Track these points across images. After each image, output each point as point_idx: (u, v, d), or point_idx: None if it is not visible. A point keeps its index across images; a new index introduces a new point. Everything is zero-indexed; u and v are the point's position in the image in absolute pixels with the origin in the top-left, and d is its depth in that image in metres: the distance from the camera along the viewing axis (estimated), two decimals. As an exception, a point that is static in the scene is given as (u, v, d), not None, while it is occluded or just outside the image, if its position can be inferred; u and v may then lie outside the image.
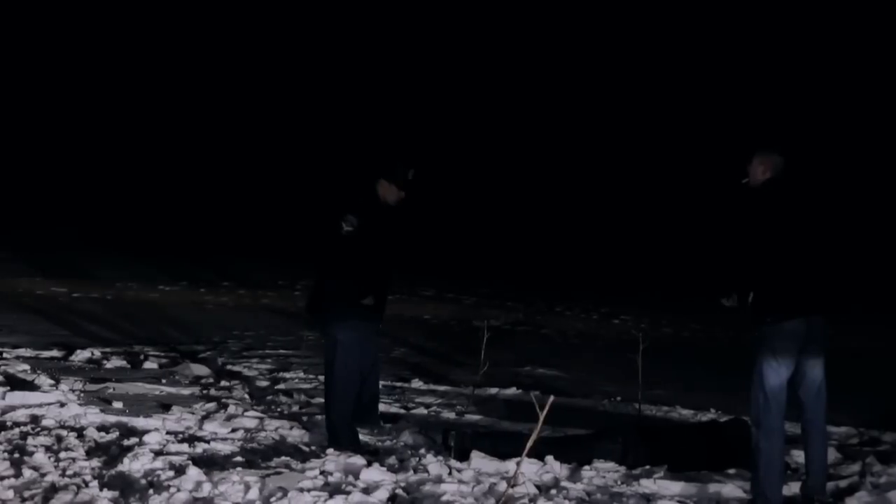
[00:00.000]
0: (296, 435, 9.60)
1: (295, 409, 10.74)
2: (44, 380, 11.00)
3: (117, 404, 10.39)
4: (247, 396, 11.22)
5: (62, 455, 8.37)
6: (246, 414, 10.26)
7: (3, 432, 8.98)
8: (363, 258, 9.31)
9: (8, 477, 7.71)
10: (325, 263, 9.48)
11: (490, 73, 41.23)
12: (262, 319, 17.68)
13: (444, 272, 26.80)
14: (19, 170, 37.78)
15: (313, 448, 9.18)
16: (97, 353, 13.23)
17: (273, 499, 7.40)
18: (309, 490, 7.60)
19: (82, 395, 10.69)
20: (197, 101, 41.38)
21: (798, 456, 9.07)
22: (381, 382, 12.50)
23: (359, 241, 9.29)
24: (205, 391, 11.41)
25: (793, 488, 8.38)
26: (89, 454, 8.50)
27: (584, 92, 39.70)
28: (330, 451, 8.85)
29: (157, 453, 8.50)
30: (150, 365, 12.80)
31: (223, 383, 11.89)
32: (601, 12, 40.82)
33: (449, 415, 11.03)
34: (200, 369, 12.55)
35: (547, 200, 36.50)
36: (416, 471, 8.36)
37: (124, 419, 9.78)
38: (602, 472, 8.75)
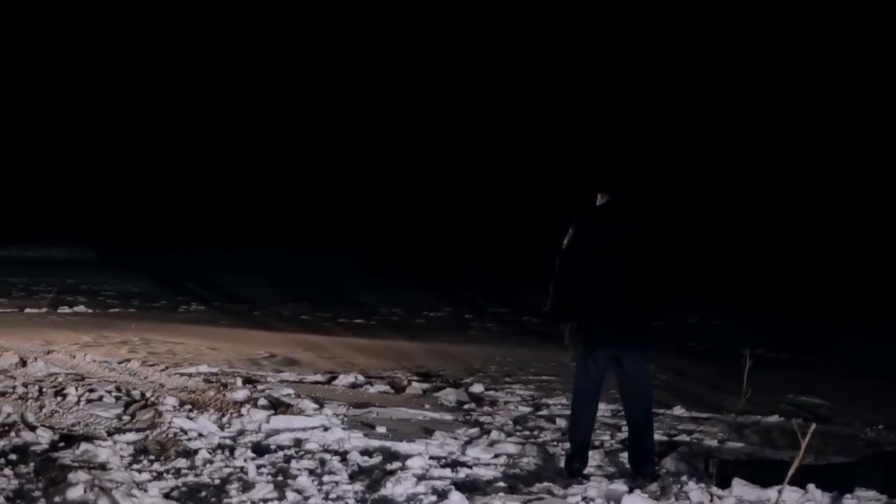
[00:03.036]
0: (558, 461, 9.45)
1: (557, 435, 10.57)
2: (307, 404, 11.08)
3: (380, 429, 10.42)
4: (509, 422, 11.11)
5: (325, 478, 8.42)
6: (508, 439, 10.18)
7: (267, 455, 9.08)
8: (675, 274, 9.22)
9: (272, 500, 7.80)
10: (638, 282, 9.18)
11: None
12: (525, 344, 17.59)
13: (708, 299, 26.37)
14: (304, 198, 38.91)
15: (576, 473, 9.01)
16: (360, 377, 13.33)
17: (535, 525, 7.28)
18: (571, 516, 7.46)
19: (346, 419, 10.75)
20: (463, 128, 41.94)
21: None
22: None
23: (669, 256, 9.20)
24: (467, 416, 11.36)
25: None
26: (352, 478, 8.53)
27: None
28: (593, 477, 8.69)
29: (420, 478, 8.48)
30: (413, 390, 12.84)
31: (485, 409, 11.83)
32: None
33: (711, 442, 10.76)
34: (463, 395, 12.53)
35: (814, 229, 35.62)
36: (677, 497, 8.18)
37: (387, 443, 9.79)
38: (864, 501, 8.42)
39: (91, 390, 11.54)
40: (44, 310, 19.30)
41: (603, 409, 11.09)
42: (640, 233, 9.13)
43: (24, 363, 13.03)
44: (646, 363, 9.29)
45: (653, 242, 9.13)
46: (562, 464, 9.32)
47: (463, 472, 8.86)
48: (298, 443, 9.61)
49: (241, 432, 9.92)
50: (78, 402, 11.03)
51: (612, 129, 38.43)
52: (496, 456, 9.59)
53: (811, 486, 8.41)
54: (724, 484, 8.58)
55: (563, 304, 9.16)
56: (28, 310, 19.13)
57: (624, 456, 9.60)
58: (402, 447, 9.68)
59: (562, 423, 11.06)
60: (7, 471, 8.27)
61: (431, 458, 9.31)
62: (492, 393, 12.91)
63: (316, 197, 39.87)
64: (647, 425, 9.28)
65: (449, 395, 12.43)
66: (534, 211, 36.92)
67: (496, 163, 41.03)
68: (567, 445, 9.43)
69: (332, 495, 7.96)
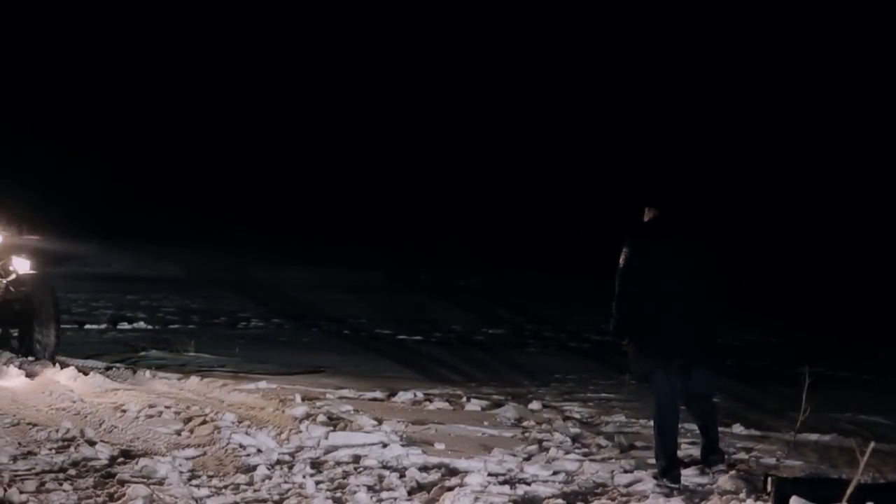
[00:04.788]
0: (617, 478, 9.39)
1: (616, 452, 10.52)
2: (366, 420, 11.08)
3: (439, 445, 10.40)
4: (568, 439, 11.05)
5: (384, 495, 8.41)
6: (567, 457, 10.12)
7: (325, 471, 9.08)
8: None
9: (330, 516, 7.76)
10: (697, 291, 9.34)
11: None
12: (584, 363, 17.53)
13: (766, 316, 26.23)
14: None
15: (634, 491, 8.96)
16: (420, 394, 13.29)
17: (594, 542, 7.23)
18: (630, 534, 7.41)
19: (404, 435, 10.72)
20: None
21: None
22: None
23: (721, 264, 9.43)
24: (526, 434, 11.31)
25: None
26: (410, 494, 8.52)
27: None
28: (651, 494, 8.63)
29: (479, 494, 8.45)
30: (473, 407, 12.79)
31: (544, 426, 11.77)
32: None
33: (769, 460, 10.67)
34: (522, 412, 12.48)
35: (874, 246, 35.32)
36: (736, 516, 8.12)
37: (446, 460, 9.75)
38: (921, 520, 8.33)
39: (150, 406, 11.59)
40: (103, 325, 19.43)
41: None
42: (692, 244, 9.37)
43: (84, 379, 13.10)
44: (713, 370, 9.46)
45: (704, 252, 9.38)
46: (622, 481, 9.28)
47: (521, 489, 8.81)
48: (357, 459, 9.59)
49: (300, 448, 9.92)
50: (137, 418, 11.07)
51: (654, 143, 38.39)
52: (555, 473, 9.54)
53: (870, 504, 8.36)
54: (782, 502, 8.53)
55: (625, 322, 9.43)
56: (88, 325, 19.25)
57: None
58: (461, 464, 9.63)
59: (620, 440, 11.01)
60: (66, 485, 8.29)
61: (490, 474, 9.26)
62: (551, 410, 12.86)
63: (359, 214, 40.07)
64: (713, 425, 9.70)
65: (508, 412, 12.39)
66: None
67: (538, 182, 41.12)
68: (660, 460, 9.49)
69: (390, 511, 7.96)
